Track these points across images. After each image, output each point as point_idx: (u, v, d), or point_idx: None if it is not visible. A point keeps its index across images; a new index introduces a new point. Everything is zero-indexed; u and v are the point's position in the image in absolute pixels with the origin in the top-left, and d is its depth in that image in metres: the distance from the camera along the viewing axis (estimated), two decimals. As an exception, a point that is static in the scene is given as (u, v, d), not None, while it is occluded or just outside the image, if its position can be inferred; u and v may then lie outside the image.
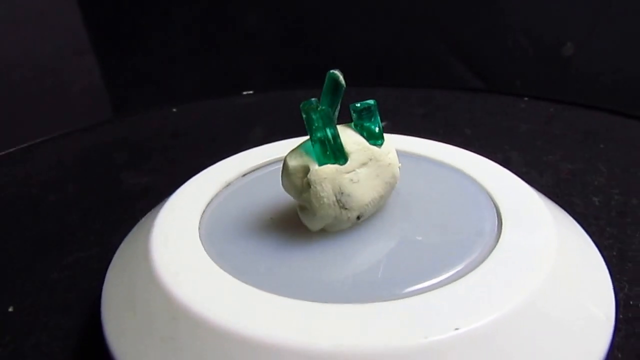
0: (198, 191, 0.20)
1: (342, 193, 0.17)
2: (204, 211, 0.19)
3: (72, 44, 0.60)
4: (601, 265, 0.18)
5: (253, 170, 0.22)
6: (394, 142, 0.18)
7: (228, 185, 0.21)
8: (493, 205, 0.19)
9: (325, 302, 0.14)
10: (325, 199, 0.17)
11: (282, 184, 0.18)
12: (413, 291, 0.15)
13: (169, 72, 0.64)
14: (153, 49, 0.63)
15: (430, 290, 0.14)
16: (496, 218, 0.18)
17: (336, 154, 0.17)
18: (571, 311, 0.15)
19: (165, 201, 0.20)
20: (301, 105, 0.17)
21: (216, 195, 0.20)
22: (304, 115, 0.17)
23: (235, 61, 0.62)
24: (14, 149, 0.34)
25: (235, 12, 0.60)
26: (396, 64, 0.58)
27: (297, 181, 0.17)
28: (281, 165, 0.18)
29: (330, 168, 0.17)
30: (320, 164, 0.17)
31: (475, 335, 0.13)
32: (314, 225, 0.17)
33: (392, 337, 0.13)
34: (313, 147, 0.17)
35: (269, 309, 0.14)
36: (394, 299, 0.14)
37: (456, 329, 0.13)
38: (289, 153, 0.17)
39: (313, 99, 0.17)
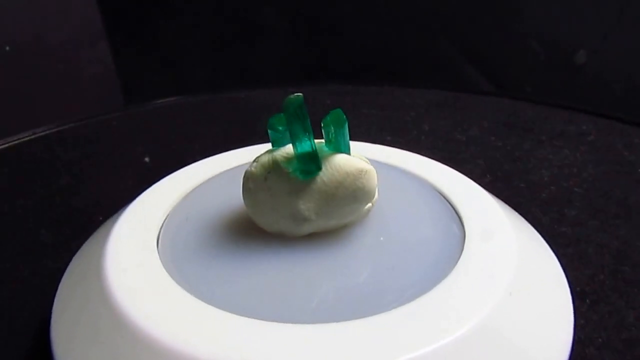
0: (160, 199, 0.19)
1: None
2: (163, 223, 0.18)
3: (86, 31, 0.60)
4: (561, 279, 0.17)
5: (219, 176, 0.20)
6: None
7: (189, 193, 0.19)
8: (458, 219, 0.18)
9: (278, 321, 0.14)
10: None
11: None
12: (368, 312, 0.14)
13: (182, 63, 0.64)
14: (166, 39, 0.63)
15: (384, 312, 0.14)
16: (460, 234, 0.17)
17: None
18: (529, 331, 0.15)
19: (123, 211, 0.18)
20: (323, 122, 0.16)
21: (177, 204, 0.19)
22: (327, 129, 0.16)
23: (247, 54, 0.62)
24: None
25: (248, 5, 0.60)
26: (407, 65, 0.57)
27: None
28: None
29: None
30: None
31: (430, 357, 0.13)
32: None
33: (347, 358, 0.13)
34: (333, 146, 0.16)
35: (225, 328, 0.13)
36: (348, 320, 0.14)
37: (412, 352, 0.13)
38: (350, 173, 0.15)
39: (337, 109, 0.16)
